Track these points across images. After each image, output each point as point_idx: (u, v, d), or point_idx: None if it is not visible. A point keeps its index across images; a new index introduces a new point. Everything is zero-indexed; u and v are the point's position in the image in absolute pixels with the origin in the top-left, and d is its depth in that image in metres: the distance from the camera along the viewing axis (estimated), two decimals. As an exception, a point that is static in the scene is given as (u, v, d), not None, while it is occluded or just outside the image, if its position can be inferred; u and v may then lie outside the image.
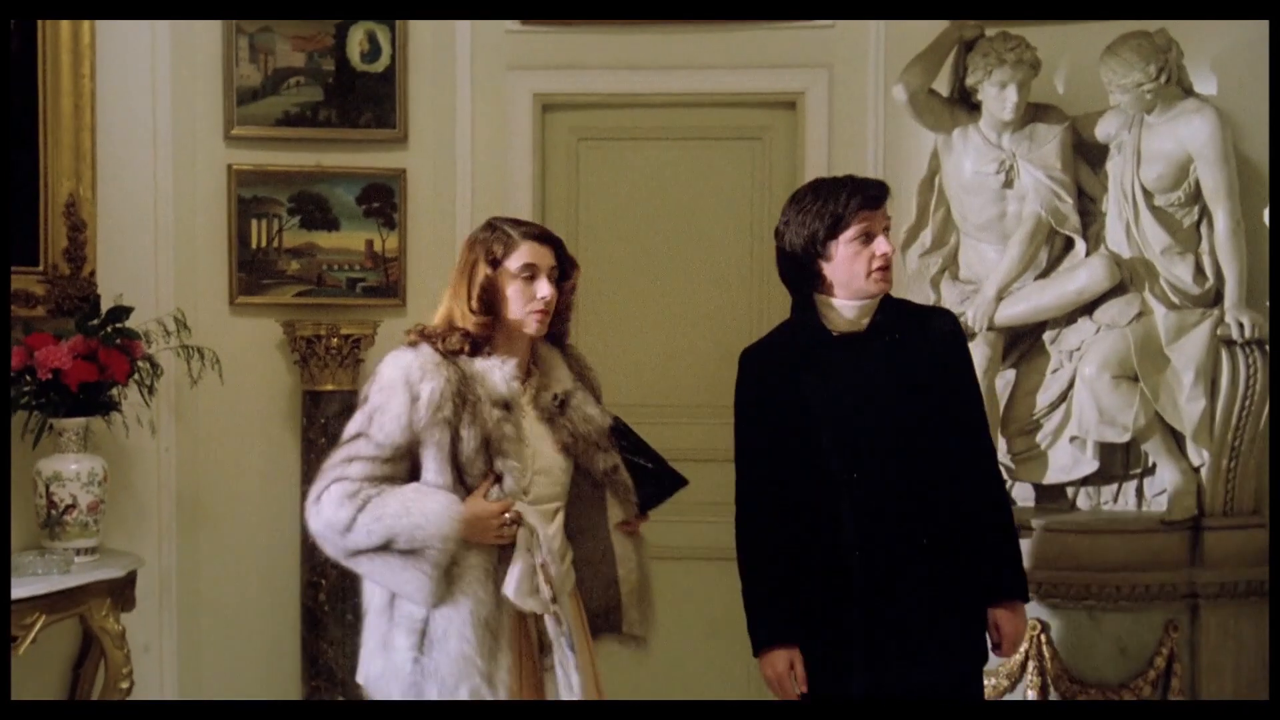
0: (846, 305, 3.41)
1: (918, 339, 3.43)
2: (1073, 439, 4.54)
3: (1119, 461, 4.59)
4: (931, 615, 3.35)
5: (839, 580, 3.38)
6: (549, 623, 3.17)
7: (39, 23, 4.51)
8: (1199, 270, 4.48)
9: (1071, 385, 4.54)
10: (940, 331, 3.48)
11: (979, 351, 4.46)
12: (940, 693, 3.39)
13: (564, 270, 3.30)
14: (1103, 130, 4.59)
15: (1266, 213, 4.47)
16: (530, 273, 3.21)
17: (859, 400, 3.38)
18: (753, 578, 3.48)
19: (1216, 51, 4.63)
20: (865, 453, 3.37)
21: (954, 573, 3.38)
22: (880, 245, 3.37)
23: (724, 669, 5.18)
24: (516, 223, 3.29)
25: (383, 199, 5.14)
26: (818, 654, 3.43)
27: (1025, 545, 4.01)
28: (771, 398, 3.46)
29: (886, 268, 3.38)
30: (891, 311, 3.45)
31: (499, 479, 3.11)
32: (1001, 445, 4.60)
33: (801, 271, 3.44)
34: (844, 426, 3.39)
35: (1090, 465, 4.53)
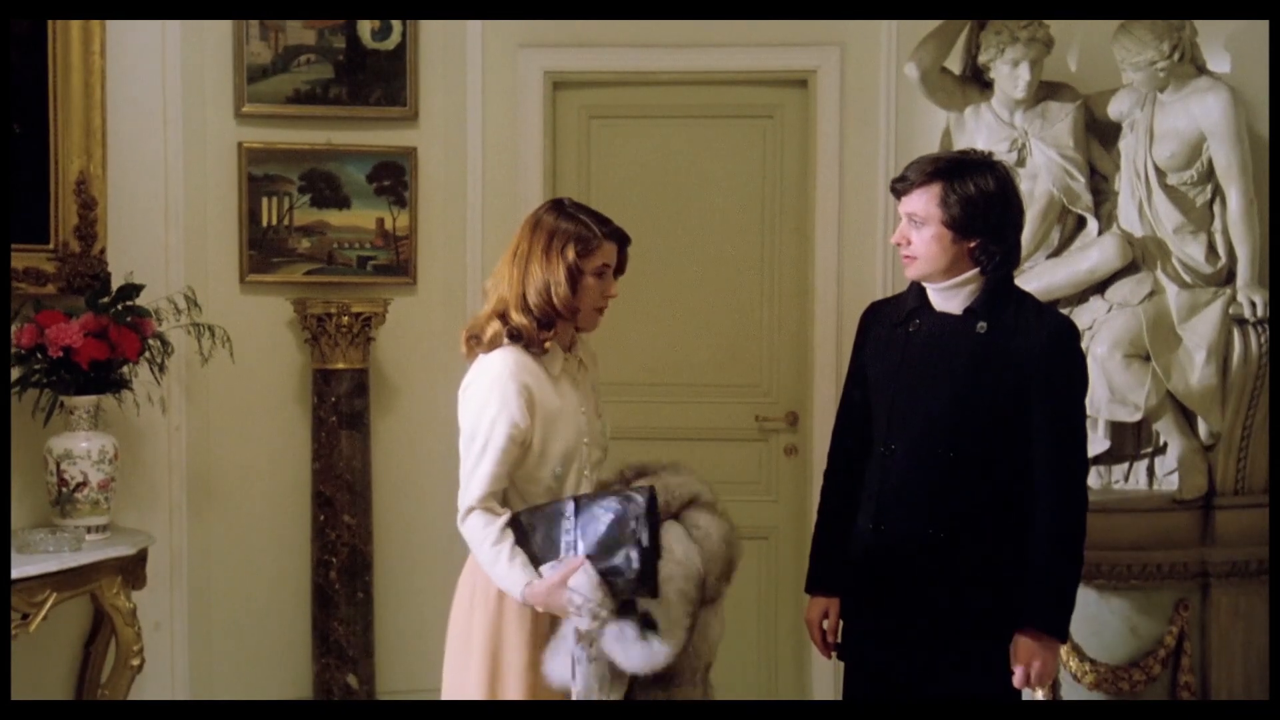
0: (930, 287, 3.39)
1: (1008, 336, 3.30)
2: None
3: (1130, 440, 4.59)
4: (935, 610, 3.31)
5: (863, 550, 3.42)
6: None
7: (49, 0, 4.50)
8: (1211, 249, 4.46)
9: (1083, 364, 4.53)
10: (1034, 339, 3.28)
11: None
12: (948, 689, 3.33)
13: (620, 266, 3.32)
14: (1115, 108, 4.57)
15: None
16: (604, 272, 3.24)
17: (913, 378, 3.36)
18: (817, 520, 3.59)
19: (1231, 29, 4.61)
20: (902, 430, 3.36)
21: (970, 575, 3.30)
22: (894, 235, 3.42)
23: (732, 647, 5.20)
24: (596, 216, 3.26)
25: (393, 177, 5.14)
26: (846, 613, 3.50)
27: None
28: (858, 354, 3.54)
29: (906, 256, 3.38)
30: (997, 303, 3.33)
31: None
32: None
33: None
34: (892, 400, 3.39)
35: (1101, 444, 4.51)
